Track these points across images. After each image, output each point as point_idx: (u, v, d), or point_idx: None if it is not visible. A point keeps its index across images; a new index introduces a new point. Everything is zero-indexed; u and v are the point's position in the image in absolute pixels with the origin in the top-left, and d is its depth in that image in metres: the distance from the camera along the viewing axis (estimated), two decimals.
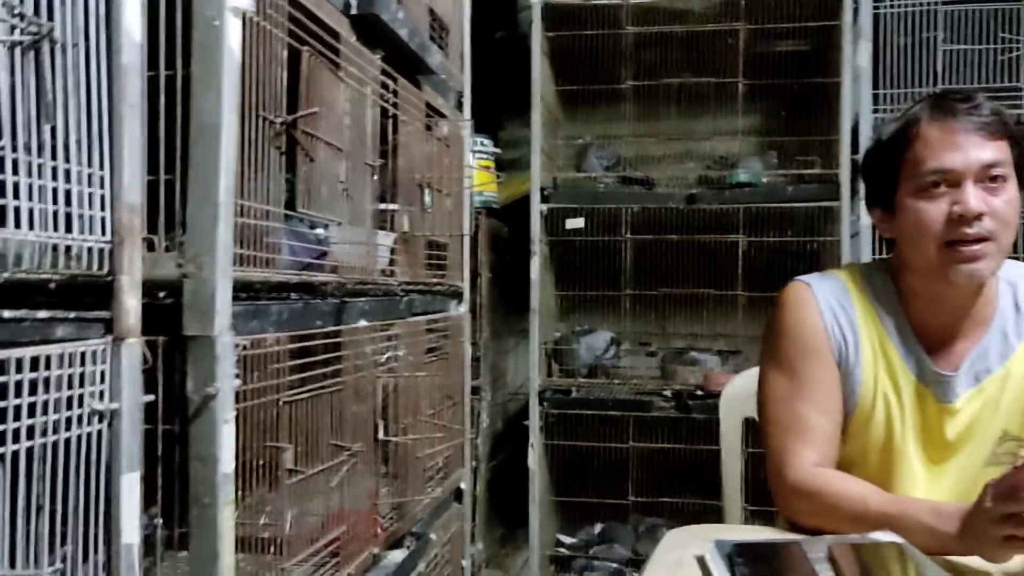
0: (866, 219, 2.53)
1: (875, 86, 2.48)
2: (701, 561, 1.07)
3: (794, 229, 2.67)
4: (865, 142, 2.48)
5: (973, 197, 1.16)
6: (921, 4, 2.45)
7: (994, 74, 2.37)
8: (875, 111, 2.48)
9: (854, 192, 2.54)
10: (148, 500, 1.04)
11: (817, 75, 2.72)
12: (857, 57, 2.49)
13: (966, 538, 1.03)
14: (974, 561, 1.04)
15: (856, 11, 2.52)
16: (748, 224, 2.70)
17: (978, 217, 1.16)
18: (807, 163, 2.72)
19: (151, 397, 0.92)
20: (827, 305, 1.29)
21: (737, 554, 1.02)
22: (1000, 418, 1.26)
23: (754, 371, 1.88)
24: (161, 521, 1.24)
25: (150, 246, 1.01)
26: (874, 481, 1.22)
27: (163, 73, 0.97)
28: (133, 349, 0.87)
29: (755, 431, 1.86)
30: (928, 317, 1.27)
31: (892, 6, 2.47)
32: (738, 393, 1.82)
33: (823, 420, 1.27)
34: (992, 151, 1.17)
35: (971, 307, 1.26)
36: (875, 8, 2.49)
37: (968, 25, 2.42)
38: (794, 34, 2.77)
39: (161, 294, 1.00)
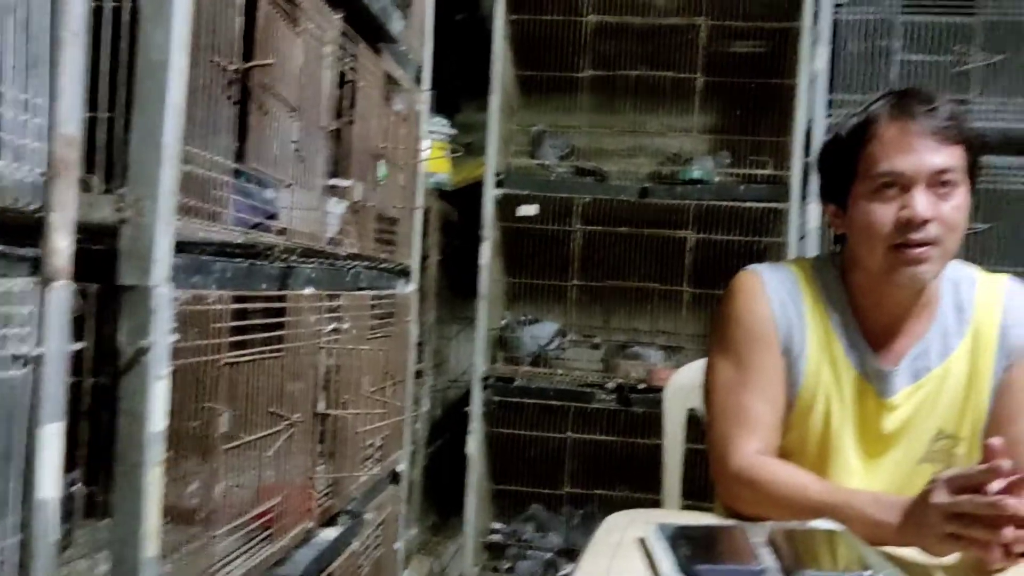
0: (814, 222, 2.56)
1: (831, 91, 2.50)
2: (643, 543, 1.06)
3: (743, 228, 2.69)
4: (818, 146, 2.51)
5: (921, 203, 1.17)
6: (880, 13, 2.48)
7: (947, 86, 2.42)
8: (829, 116, 2.50)
9: (804, 195, 2.57)
10: (72, 462, 0.98)
11: (774, 77, 2.75)
12: (814, 61, 2.52)
13: (906, 529, 1.04)
14: (912, 552, 1.05)
15: (816, 15, 2.54)
16: (698, 221, 2.72)
17: (925, 223, 1.18)
18: (759, 163, 2.74)
19: (80, 345, 0.86)
20: (776, 295, 1.30)
21: (679, 536, 1.01)
22: (936, 416, 1.27)
23: (700, 363, 1.88)
24: (82, 485, 1.18)
25: (87, 187, 0.95)
26: (811, 471, 1.23)
27: (109, 3, 0.91)
28: (61, 293, 0.82)
29: (697, 425, 1.87)
30: (873, 313, 1.29)
31: (851, 13, 2.50)
32: (683, 385, 1.82)
33: (767, 409, 1.28)
34: (945, 156, 1.18)
35: (915, 306, 1.28)
36: (834, 13, 2.51)
37: (924, 36, 2.46)
38: (753, 34, 2.79)
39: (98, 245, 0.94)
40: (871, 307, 1.29)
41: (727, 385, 1.30)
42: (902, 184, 1.19)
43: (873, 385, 1.28)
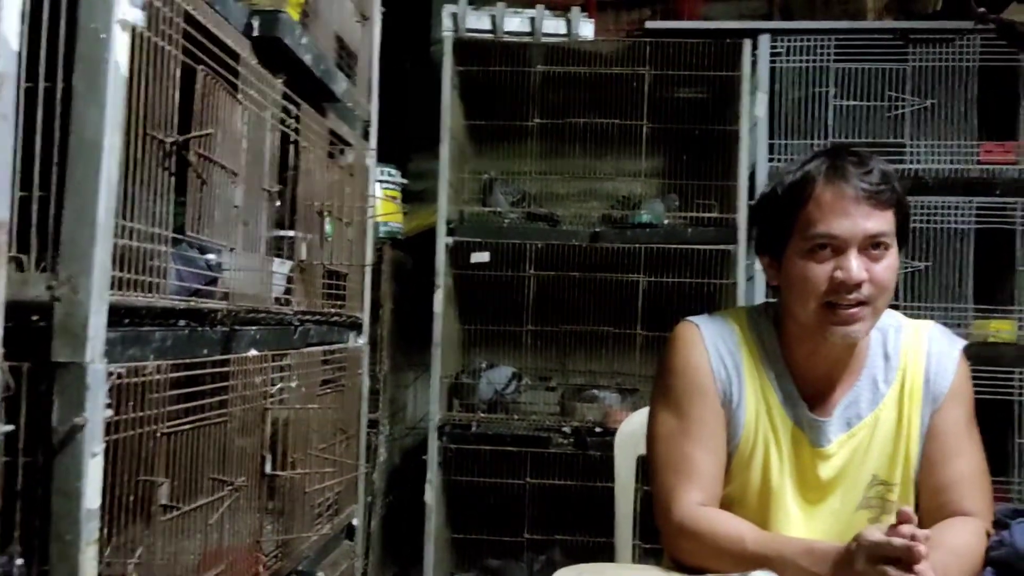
0: (760, 264, 2.62)
1: (771, 136, 2.58)
2: None
3: (692, 271, 2.74)
4: (761, 189, 2.57)
5: (855, 266, 1.22)
6: (815, 60, 2.57)
7: (881, 129, 2.50)
8: (771, 160, 2.57)
9: (750, 237, 2.62)
10: (8, 538, 0.97)
11: (717, 123, 2.82)
12: (754, 107, 2.59)
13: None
14: None
15: (754, 64, 2.62)
16: (648, 264, 2.76)
17: (858, 285, 1.22)
18: (706, 207, 2.80)
19: (10, 427, 0.85)
20: (714, 347, 1.33)
21: None
22: (870, 462, 1.31)
23: (647, 410, 1.91)
24: (22, 561, 1.16)
25: (20, 266, 0.95)
26: (753, 520, 1.25)
27: (42, 85, 0.92)
28: None
29: (648, 467, 1.89)
30: (806, 365, 1.33)
31: (788, 61, 2.58)
32: (633, 431, 1.83)
33: (708, 459, 1.30)
34: (878, 221, 1.23)
35: (846, 358, 1.32)
36: (772, 62, 2.60)
37: (858, 82, 2.55)
38: (696, 82, 2.86)
39: (34, 318, 0.94)
40: (803, 359, 1.32)
41: (669, 436, 1.32)
42: (835, 247, 1.23)
43: (807, 435, 1.31)
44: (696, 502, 1.26)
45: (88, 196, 0.93)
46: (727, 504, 1.32)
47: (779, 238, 1.28)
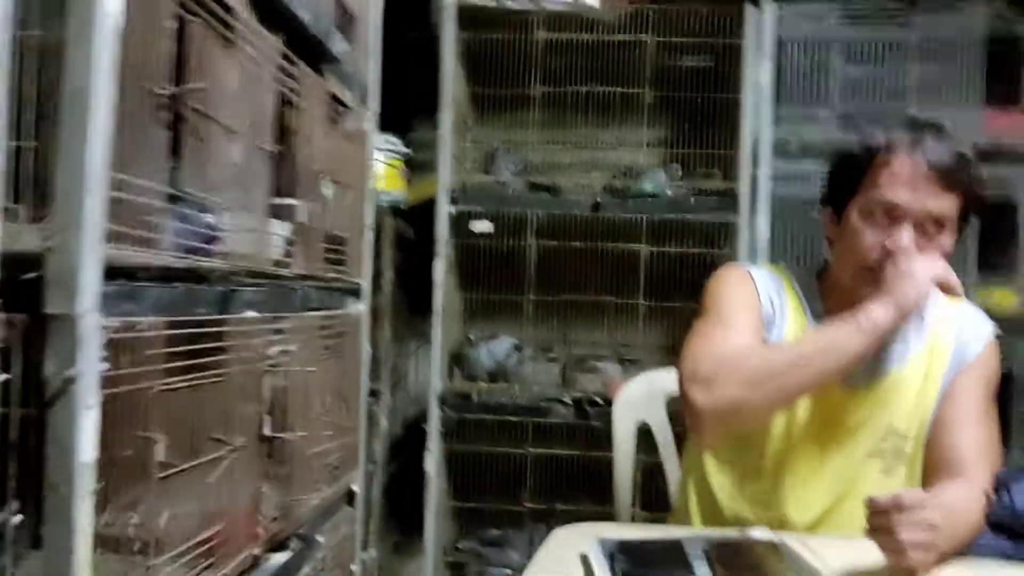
0: (764, 235, 2.60)
1: (775, 104, 2.55)
2: (584, 559, 1.07)
3: (695, 241, 2.72)
4: (765, 159, 2.55)
5: (907, 239, 1.22)
6: (819, 28, 2.54)
7: (885, 97, 2.47)
8: (775, 129, 2.55)
9: (753, 208, 2.60)
10: (3, 493, 0.96)
11: (720, 91, 2.79)
12: (758, 76, 2.56)
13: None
14: (848, 563, 1.07)
15: (758, 31, 2.59)
16: (651, 234, 2.74)
17: None
18: (709, 176, 2.77)
19: (7, 375, 0.85)
20: (764, 286, 1.37)
21: (619, 551, 1.02)
22: (890, 414, 1.33)
23: (649, 375, 1.91)
24: (20, 516, 1.16)
25: (13, 216, 0.94)
26: (770, 455, 1.27)
27: (35, 33, 0.91)
28: None
29: (648, 437, 1.89)
30: (842, 313, 1.33)
31: (792, 29, 2.55)
32: (632, 398, 1.83)
33: (745, 328, 1.32)
34: (941, 202, 1.23)
35: None
36: (776, 30, 2.56)
37: (864, 50, 2.51)
38: (699, 49, 2.83)
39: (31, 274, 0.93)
40: (840, 307, 1.33)
41: (705, 323, 1.34)
42: (894, 216, 1.23)
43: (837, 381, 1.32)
44: (724, 349, 1.26)
45: (79, 146, 0.91)
46: (743, 441, 1.33)
47: (844, 192, 1.30)
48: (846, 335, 1.15)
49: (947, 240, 1.25)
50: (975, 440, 1.29)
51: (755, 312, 1.34)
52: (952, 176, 1.22)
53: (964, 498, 1.19)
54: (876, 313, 1.16)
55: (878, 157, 1.25)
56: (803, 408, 1.33)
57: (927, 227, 1.23)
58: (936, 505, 1.08)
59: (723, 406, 1.18)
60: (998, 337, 1.38)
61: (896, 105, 2.47)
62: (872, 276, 1.24)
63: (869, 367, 1.32)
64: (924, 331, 1.35)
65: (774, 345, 1.24)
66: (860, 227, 1.26)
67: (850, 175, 1.29)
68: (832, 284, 1.36)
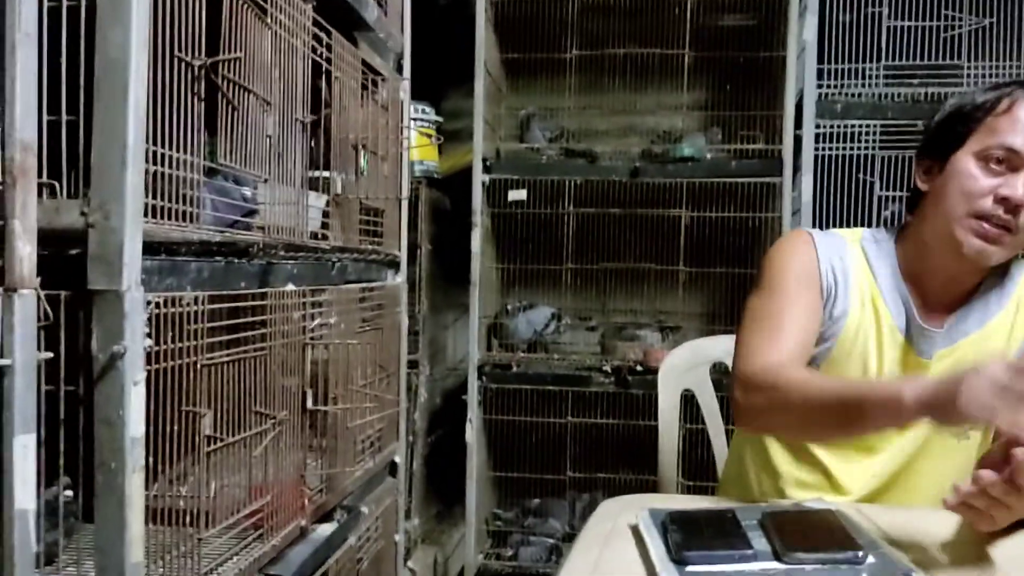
0: (807, 195, 2.53)
1: (820, 61, 2.47)
2: (635, 530, 1.05)
3: (736, 204, 2.67)
4: (809, 118, 2.48)
5: (1022, 187, 1.19)
6: None
7: (937, 51, 2.39)
8: (819, 86, 2.47)
9: (796, 168, 2.54)
10: (54, 469, 0.97)
11: (762, 49, 2.71)
12: (803, 31, 2.48)
13: (942, 388, 0.96)
14: (904, 531, 1.04)
15: None
16: (691, 199, 2.69)
17: (1018, 208, 1.20)
18: (750, 138, 2.71)
19: (49, 354, 0.85)
20: (825, 253, 1.33)
21: (671, 522, 1.00)
22: None
23: (693, 343, 1.87)
24: (71, 493, 1.17)
25: (53, 192, 0.93)
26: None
27: (66, 3, 0.89)
28: (27, 301, 0.80)
29: (693, 406, 1.86)
30: (924, 279, 1.32)
31: None
32: (676, 365, 1.81)
33: (797, 331, 1.28)
34: None
35: (965, 277, 1.31)
36: None
37: (912, 2, 2.42)
38: (741, 7, 2.75)
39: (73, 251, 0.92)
40: (922, 274, 1.31)
41: (761, 308, 1.32)
42: (1011, 163, 1.21)
43: (914, 345, 1.30)
44: (775, 362, 1.23)
45: (116, 119, 0.90)
46: None
47: (955, 139, 1.26)
48: (883, 412, 1.01)
49: None
50: None
51: (814, 287, 1.30)
52: None
53: None
54: (922, 400, 0.98)
55: (999, 106, 1.23)
56: (876, 375, 1.30)
57: None
58: None
59: (759, 426, 1.24)
60: None
61: (947, 60, 2.39)
62: (978, 222, 1.21)
63: (944, 336, 1.29)
64: (1007, 297, 1.31)
65: (822, 382, 1.16)
66: (974, 172, 1.22)
67: (963, 125, 1.26)
68: (912, 244, 1.32)
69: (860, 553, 0.89)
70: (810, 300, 1.30)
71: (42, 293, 0.85)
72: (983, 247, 1.22)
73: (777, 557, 0.91)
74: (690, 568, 0.89)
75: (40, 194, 0.86)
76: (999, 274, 1.32)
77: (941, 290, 1.31)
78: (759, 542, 0.94)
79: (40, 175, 0.87)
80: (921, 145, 1.35)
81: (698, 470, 2.29)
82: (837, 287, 1.31)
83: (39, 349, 0.84)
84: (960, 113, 1.28)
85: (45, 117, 0.90)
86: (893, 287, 1.32)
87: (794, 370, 1.21)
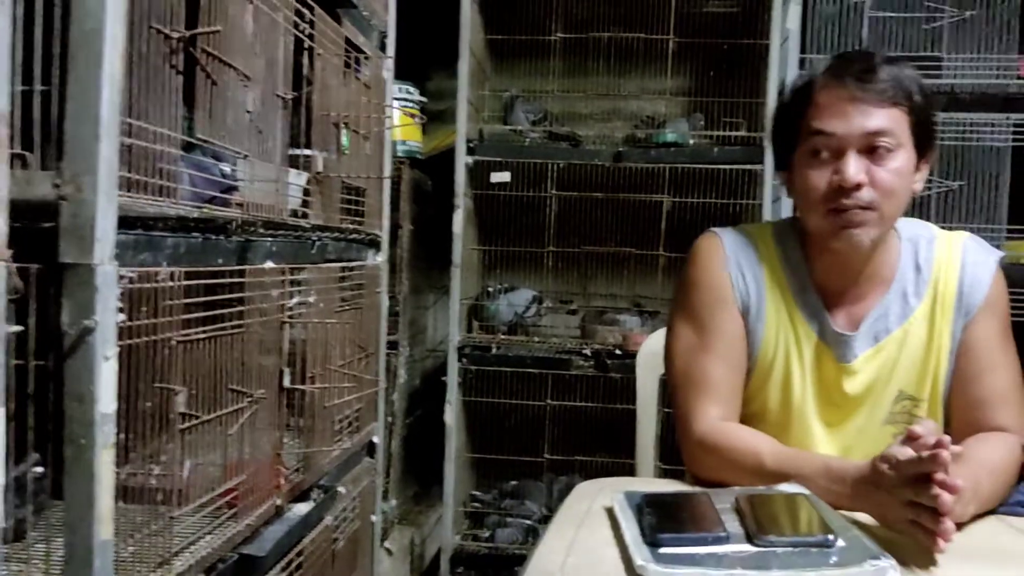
0: None
1: (803, 50, 2.48)
2: (610, 512, 1.05)
3: (718, 191, 2.67)
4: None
5: (852, 168, 1.17)
6: None
7: (919, 43, 2.40)
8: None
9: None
10: (23, 445, 0.96)
11: (746, 37, 2.71)
12: (786, 20, 2.48)
13: (860, 502, 1.04)
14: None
15: None
16: (673, 184, 2.69)
17: (857, 187, 1.17)
18: (733, 125, 2.72)
19: (18, 327, 0.83)
20: (735, 259, 1.30)
21: (645, 504, 1.00)
22: (897, 378, 1.27)
23: None
24: (41, 469, 1.16)
25: (24, 163, 0.92)
26: (776, 438, 1.22)
27: None
28: None
29: (667, 390, 1.87)
30: (830, 277, 1.29)
31: None
32: (655, 350, 1.81)
33: (728, 373, 1.28)
34: (880, 119, 1.17)
35: (871, 268, 1.28)
36: None
37: None
38: None
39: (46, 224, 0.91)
40: (827, 271, 1.29)
41: (688, 350, 1.30)
42: (833, 149, 1.19)
43: (833, 350, 1.27)
44: (715, 417, 1.25)
45: (91, 90, 0.88)
46: (749, 422, 1.29)
47: (787, 149, 1.26)
48: (816, 491, 1.05)
49: (899, 162, 1.18)
50: (1000, 385, 1.23)
51: (730, 306, 1.28)
52: (884, 92, 1.17)
53: (998, 452, 1.16)
54: (843, 502, 1.05)
55: (805, 99, 1.21)
56: (799, 388, 1.28)
57: (873, 153, 1.18)
58: (971, 461, 1.05)
59: (706, 476, 1.23)
60: (1006, 268, 1.30)
61: (928, 52, 2.40)
62: (835, 215, 1.19)
63: (863, 337, 1.26)
64: (924, 284, 1.27)
65: (775, 456, 1.16)
66: (807, 173, 1.20)
67: (786, 128, 1.25)
68: (809, 237, 1.29)
69: (831, 537, 0.90)
70: (732, 330, 1.28)
71: (13, 266, 0.84)
72: (849, 234, 1.20)
73: (750, 540, 0.91)
74: (663, 550, 0.89)
75: (12, 165, 0.85)
76: (912, 264, 1.28)
77: (851, 288, 1.28)
78: (732, 525, 0.95)
79: (12, 146, 0.85)
80: (774, 159, 1.34)
81: (675, 454, 2.29)
82: (751, 299, 1.28)
83: (8, 322, 0.83)
84: (782, 119, 1.26)
85: (18, 87, 0.88)
86: (804, 289, 1.29)
87: (737, 434, 1.23)
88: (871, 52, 1.24)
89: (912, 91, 1.19)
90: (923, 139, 1.21)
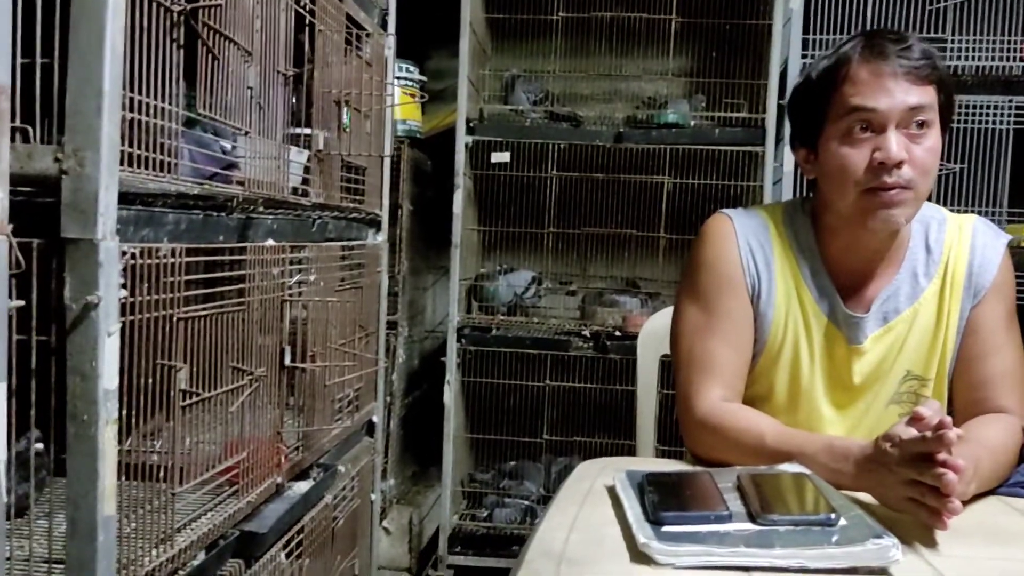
0: (789, 165, 2.53)
1: (806, 31, 2.46)
2: (611, 491, 1.05)
3: (719, 172, 2.66)
4: (792, 88, 2.47)
5: (895, 144, 1.15)
6: None
7: (922, 24, 2.38)
8: (804, 56, 2.46)
9: (779, 138, 2.54)
10: (25, 420, 0.95)
11: (749, 17, 2.69)
12: (789, 0, 2.46)
13: (862, 480, 1.04)
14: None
15: None
16: (674, 165, 2.68)
17: (898, 165, 1.16)
18: (734, 106, 2.70)
19: (20, 302, 0.83)
20: (745, 241, 1.29)
21: (648, 483, 1.01)
22: (904, 358, 1.27)
23: (672, 309, 1.88)
24: (42, 445, 1.16)
25: (25, 137, 0.91)
26: (783, 421, 1.22)
27: None
28: None
29: (671, 370, 1.87)
30: (843, 259, 1.28)
31: None
32: (656, 331, 1.81)
33: (732, 355, 1.27)
34: (919, 95, 1.16)
35: (885, 250, 1.27)
36: None
37: None
38: None
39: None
40: (841, 252, 1.28)
41: (694, 331, 1.30)
42: (875, 125, 1.17)
43: (843, 332, 1.27)
44: (718, 397, 1.24)
45: (92, 63, 0.88)
46: (756, 404, 1.29)
47: (814, 126, 1.23)
48: (816, 470, 1.04)
49: (934, 140, 1.17)
50: (1003, 367, 1.23)
51: (740, 289, 1.27)
52: (920, 70, 1.15)
53: (999, 432, 1.16)
54: (846, 482, 1.04)
55: (839, 75, 1.18)
56: (808, 370, 1.27)
57: (911, 129, 1.17)
58: (971, 441, 1.05)
59: (711, 459, 1.21)
60: (1014, 248, 1.30)
61: (932, 34, 2.38)
62: (872, 195, 1.17)
63: (873, 318, 1.26)
64: (934, 265, 1.27)
65: (776, 436, 1.15)
66: (842, 152, 1.18)
67: (815, 105, 1.22)
68: (828, 218, 1.28)
69: (833, 515, 0.90)
70: (739, 313, 1.27)
71: (14, 240, 0.83)
72: (887, 215, 1.18)
73: (752, 519, 0.91)
74: (666, 528, 0.90)
75: (13, 138, 0.84)
76: (923, 245, 1.28)
77: (863, 269, 1.27)
78: (735, 504, 0.95)
79: (13, 119, 0.85)
80: (791, 135, 1.31)
81: (675, 435, 2.30)
82: (760, 283, 1.27)
83: (11, 297, 0.83)
84: (810, 94, 1.23)
85: (19, 59, 0.87)
86: (815, 271, 1.28)
87: (739, 414, 1.22)
88: (901, 31, 1.22)
89: (942, 69, 1.19)
90: (946, 118, 1.21)
